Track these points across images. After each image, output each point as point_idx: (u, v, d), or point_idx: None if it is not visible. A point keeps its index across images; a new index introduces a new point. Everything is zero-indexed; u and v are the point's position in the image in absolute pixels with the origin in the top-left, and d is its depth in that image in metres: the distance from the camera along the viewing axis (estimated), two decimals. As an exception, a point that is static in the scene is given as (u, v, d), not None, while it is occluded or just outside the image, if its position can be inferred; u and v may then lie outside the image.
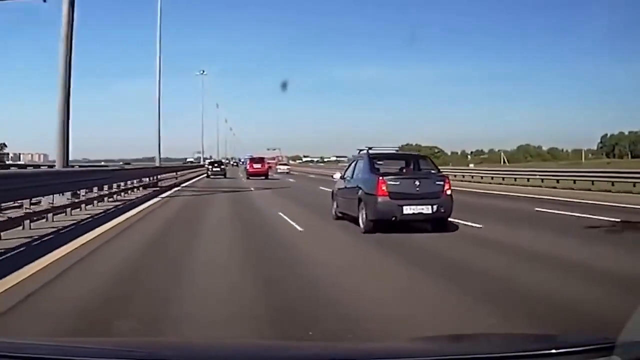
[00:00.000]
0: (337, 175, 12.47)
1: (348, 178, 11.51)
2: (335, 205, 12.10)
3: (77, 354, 1.92)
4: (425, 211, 9.78)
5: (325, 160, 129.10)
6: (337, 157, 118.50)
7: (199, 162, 73.22)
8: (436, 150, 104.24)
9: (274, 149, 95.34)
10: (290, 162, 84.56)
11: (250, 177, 38.20)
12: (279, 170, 55.11)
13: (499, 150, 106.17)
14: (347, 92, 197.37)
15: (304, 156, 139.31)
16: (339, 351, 2.24)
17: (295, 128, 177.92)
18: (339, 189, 12.01)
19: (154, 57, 33.38)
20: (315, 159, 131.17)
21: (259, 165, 40.85)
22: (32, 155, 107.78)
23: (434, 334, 3.43)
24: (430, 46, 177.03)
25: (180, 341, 3.15)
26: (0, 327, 4.46)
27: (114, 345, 2.35)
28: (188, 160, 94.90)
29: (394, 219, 9.76)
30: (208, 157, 71.82)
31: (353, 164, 11.67)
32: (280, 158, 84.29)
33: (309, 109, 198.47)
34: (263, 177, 38.23)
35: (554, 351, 1.81)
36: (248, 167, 41.59)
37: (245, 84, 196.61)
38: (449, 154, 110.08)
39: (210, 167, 44.36)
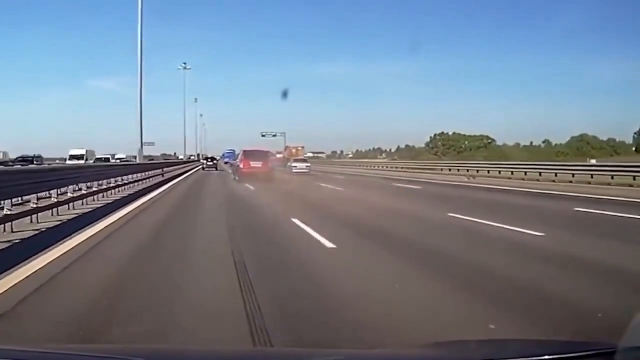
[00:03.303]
0: None
1: None
2: None
3: None
4: None
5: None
6: (313, 153, 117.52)
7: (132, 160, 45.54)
8: (488, 141, 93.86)
9: (274, 135, 57.88)
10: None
11: (245, 181, 23.83)
12: (294, 170, 38.89)
13: (545, 142, 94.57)
14: (330, 88, 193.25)
15: (277, 152, 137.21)
16: (342, 358, 2.22)
17: (277, 123, 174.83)
18: None
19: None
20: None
21: (258, 163, 26.34)
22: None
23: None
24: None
25: (176, 348, 3.08)
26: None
27: (104, 352, 2.31)
28: (117, 158, 53.00)
29: None
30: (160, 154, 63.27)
31: None
32: (295, 151, 60.04)
33: (294, 105, 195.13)
34: (268, 180, 24.20)
35: (555, 357, 1.80)
36: (241, 166, 26.82)
37: (219, 78, 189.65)
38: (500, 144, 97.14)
39: (205, 161, 53.23)
